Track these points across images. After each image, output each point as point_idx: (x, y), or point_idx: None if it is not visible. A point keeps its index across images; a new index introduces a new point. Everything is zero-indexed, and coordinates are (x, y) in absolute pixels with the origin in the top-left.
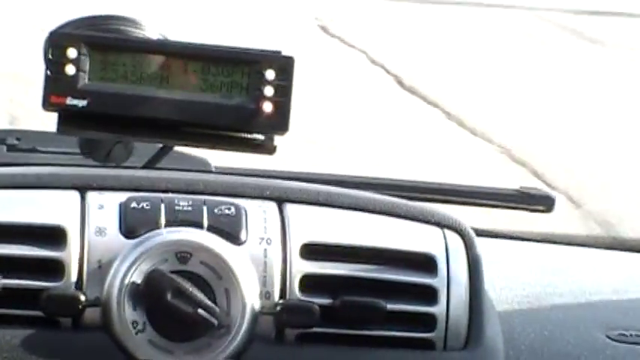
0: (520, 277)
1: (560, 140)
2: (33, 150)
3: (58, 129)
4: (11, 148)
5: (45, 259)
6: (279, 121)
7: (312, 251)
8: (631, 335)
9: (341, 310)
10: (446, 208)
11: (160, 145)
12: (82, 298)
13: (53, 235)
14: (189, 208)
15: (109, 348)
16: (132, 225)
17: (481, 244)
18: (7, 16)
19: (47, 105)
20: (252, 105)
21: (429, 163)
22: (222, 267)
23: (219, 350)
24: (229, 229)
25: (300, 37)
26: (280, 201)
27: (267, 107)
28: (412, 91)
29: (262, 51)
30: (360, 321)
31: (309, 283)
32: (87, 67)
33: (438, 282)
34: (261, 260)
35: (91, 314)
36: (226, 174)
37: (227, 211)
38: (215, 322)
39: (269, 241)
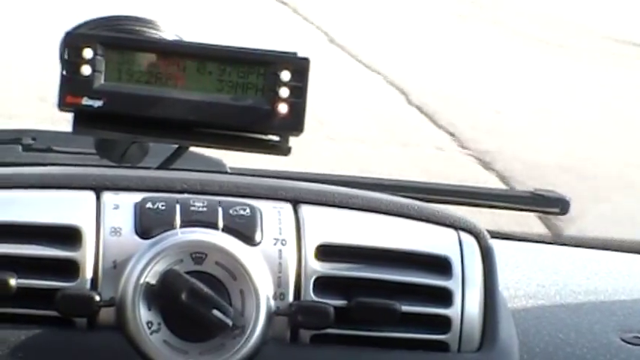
0: (534, 280)
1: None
2: (48, 150)
3: (73, 129)
4: (27, 148)
5: (60, 259)
6: (294, 122)
7: (326, 252)
8: None
9: (355, 312)
10: (460, 210)
11: (176, 146)
12: (97, 298)
13: (68, 235)
14: (205, 209)
15: (123, 348)
16: (147, 225)
17: (496, 246)
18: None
19: (63, 105)
20: (267, 106)
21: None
22: (237, 268)
23: (234, 351)
24: (244, 230)
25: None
26: (295, 202)
27: (282, 108)
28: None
29: (278, 52)
30: (375, 322)
31: (324, 284)
32: (102, 68)
33: (452, 284)
34: (275, 261)
35: (106, 314)
36: (241, 175)
37: (242, 212)
38: (230, 322)
39: (284, 242)
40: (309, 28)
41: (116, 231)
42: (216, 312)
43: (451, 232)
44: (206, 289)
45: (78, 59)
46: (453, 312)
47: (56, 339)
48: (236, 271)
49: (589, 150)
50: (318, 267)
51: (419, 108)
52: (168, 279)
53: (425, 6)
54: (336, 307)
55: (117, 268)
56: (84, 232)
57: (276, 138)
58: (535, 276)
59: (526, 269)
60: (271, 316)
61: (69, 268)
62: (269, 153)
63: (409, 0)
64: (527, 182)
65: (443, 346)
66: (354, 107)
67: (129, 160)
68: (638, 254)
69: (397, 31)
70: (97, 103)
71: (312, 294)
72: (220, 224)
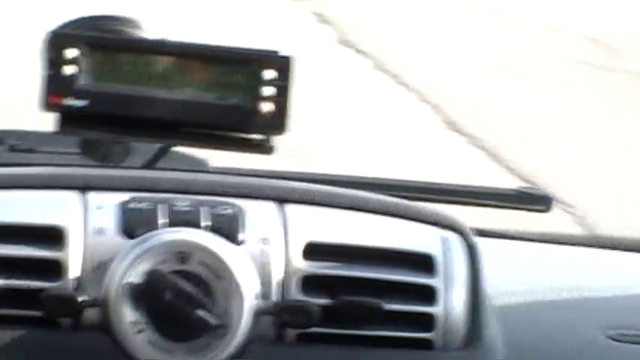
0: (519, 277)
1: None
2: (33, 150)
3: (58, 129)
4: (11, 149)
5: (44, 259)
6: (278, 121)
7: (311, 251)
8: (631, 335)
9: (340, 310)
10: (445, 208)
11: (160, 145)
12: (82, 298)
13: (52, 235)
14: (189, 208)
15: (108, 348)
16: (131, 225)
17: (480, 244)
18: None
19: (46, 105)
20: (250, 105)
21: None
22: (222, 267)
23: (219, 350)
24: (228, 229)
25: None
26: (280, 201)
27: (266, 107)
28: None
29: (261, 51)
30: (360, 321)
31: (309, 283)
32: (86, 67)
33: (437, 282)
34: (260, 260)
35: (91, 314)
36: (226, 174)
37: (226, 211)
38: (214, 322)
39: (268, 241)
40: None
41: (100, 231)
42: (200, 311)
43: (435, 230)
44: (190, 289)
45: (61, 59)
46: (437, 310)
47: (41, 339)
48: (220, 270)
49: None
50: (302, 266)
51: None
52: (152, 279)
53: None
54: (321, 306)
55: (101, 268)
56: (68, 232)
57: (260, 137)
58: (520, 273)
59: (511, 266)
60: (256, 315)
61: (53, 268)
62: (253, 152)
63: None
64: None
65: (428, 344)
66: None
67: (113, 159)
68: (622, 251)
69: None
70: (81, 103)
71: (296, 293)
72: (204, 224)
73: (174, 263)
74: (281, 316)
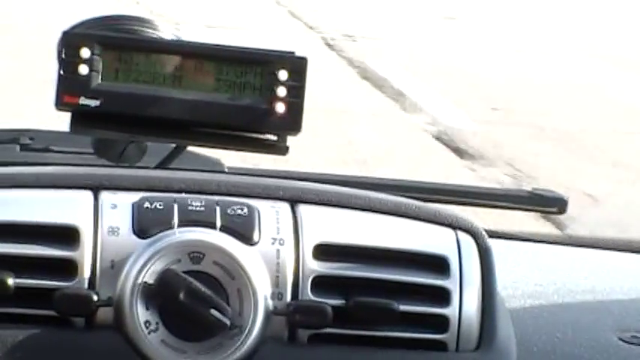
0: (532, 279)
1: None
2: (46, 149)
3: (71, 129)
4: (25, 148)
5: (58, 258)
6: (292, 122)
7: (324, 252)
8: None
9: (353, 311)
10: (458, 210)
11: (173, 145)
12: (95, 297)
13: (66, 235)
14: (202, 209)
15: (121, 348)
16: (145, 225)
17: (493, 246)
18: None
19: (60, 104)
20: (264, 105)
21: None
22: (235, 267)
23: (232, 350)
24: (242, 230)
25: None
26: (293, 201)
27: (280, 108)
28: None
29: (275, 51)
30: (373, 322)
31: (322, 283)
32: (100, 67)
33: (450, 283)
34: (273, 261)
35: (104, 314)
36: (239, 174)
37: (240, 212)
38: (227, 322)
39: (282, 241)
40: None
41: (114, 230)
42: (213, 311)
43: (449, 231)
44: (204, 289)
45: (75, 59)
46: (450, 311)
47: (54, 338)
48: (234, 270)
49: None
50: (316, 266)
51: None
52: (166, 278)
53: None
54: (334, 307)
55: (115, 267)
56: (82, 231)
57: (273, 137)
58: (533, 275)
59: (524, 269)
60: (269, 315)
61: (67, 268)
62: (266, 152)
63: None
64: None
65: (441, 346)
66: None
67: (127, 159)
68: (635, 253)
69: None
70: (95, 103)
71: (310, 293)
72: (218, 224)
73: (187, 263)
74: (294, 316)
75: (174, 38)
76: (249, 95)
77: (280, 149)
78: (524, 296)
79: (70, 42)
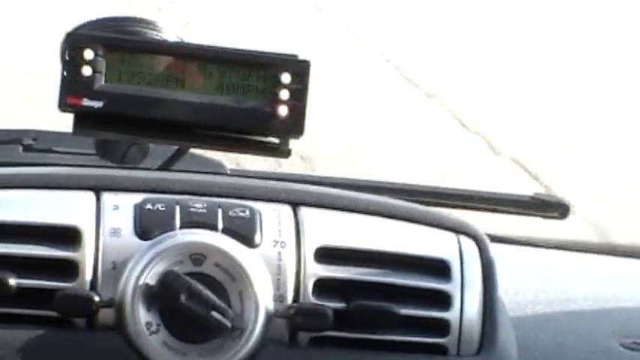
0: (534, 284)
1: None
2: (49, 150)
3: (73, 130)
4: (27, 149)
5: (59, 259)
6: (295, 125)
7: (326, 255)
8: None
9: (354, 314)
10: (460, 214)
11: (176, 147)
12: (96, 298)
13: (68, 236)
14: (204, 211)
15: (122, 349)
16: (147, 226)
17: (495, 250)
18: None
19: (63, 106)
20: (267, 108)
21: None
22: (236, 269)
23: (233, 353)
24: (244, 232)
25: None
26: (295, 204)
27: (283, 111)
28: None
29: (278, 54)
30: (374, 325)
31: (323, 286)
32: (103, 69)
33: (451, 287)
34: (275, 263)
35: (105, 315)
36: (241, 176)
37: (242, 214)
38: (228, 324)
39: (283, 244)
40: None
41: (116, 232)
42: (215, 314)
43: (451, 235)
44: (205, 291)
45: (79, 60)
46: (451, 315)
47: (55, 339)
48: (235, 272)
49: None
50: (317, 269)
51: None
52: (167, 280)
53: None
54: (335, 310)
55: (116, 268)
56: (83, 232)
57: (276, 140)
58: (535, 280)
59: (526, 273)
60: (270, 318)
61: (68, 269)
62: (269, 155)
63: None
64: None
65: (442, 350)
66: None
67: (129, 161)
68: (637, 259)
69: None
70: (98, 104)
71: (311, 296)
72: (220, 226)
73: (189, 265)
74: (295, 319)
75: (178, 40)
76: (252, 98)
77: (283, 152)
78: (525, 301)
79: (74, 43)
